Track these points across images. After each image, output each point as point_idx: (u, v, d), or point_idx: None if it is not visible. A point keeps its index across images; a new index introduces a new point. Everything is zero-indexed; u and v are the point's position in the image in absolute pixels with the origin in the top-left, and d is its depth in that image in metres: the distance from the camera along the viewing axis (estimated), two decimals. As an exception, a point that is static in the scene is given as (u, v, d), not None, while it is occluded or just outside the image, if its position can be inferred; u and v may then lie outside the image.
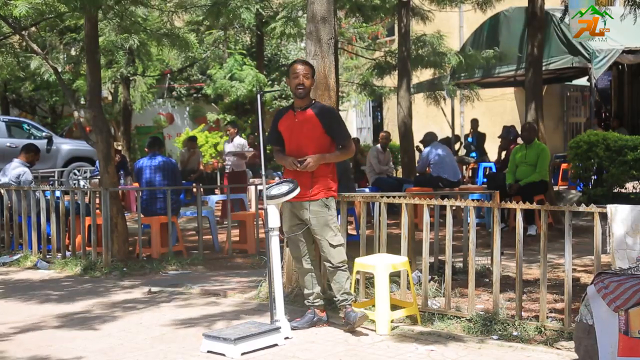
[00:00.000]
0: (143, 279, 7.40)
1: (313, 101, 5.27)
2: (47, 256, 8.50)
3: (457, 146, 16.82)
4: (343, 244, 5.18)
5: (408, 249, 5.60)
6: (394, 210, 8.70)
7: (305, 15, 7.83)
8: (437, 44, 13.26)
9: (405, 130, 11.79)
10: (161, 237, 8.42)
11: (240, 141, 12.76)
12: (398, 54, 12.14)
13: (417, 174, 11.84)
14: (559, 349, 4.53)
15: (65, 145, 16.43)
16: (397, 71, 12.44)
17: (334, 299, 5.17)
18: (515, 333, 4.83)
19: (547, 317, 4.95)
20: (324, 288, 5.80)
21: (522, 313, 5.06)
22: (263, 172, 5.08)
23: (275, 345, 4.77)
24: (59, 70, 10.11)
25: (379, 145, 12.70)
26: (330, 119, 5.18)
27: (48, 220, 8.53)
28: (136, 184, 9.85)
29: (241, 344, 4.60)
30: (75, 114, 9.22)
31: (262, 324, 4.94)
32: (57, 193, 8.53)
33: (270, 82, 20.14)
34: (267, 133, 5.52)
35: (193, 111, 23.48)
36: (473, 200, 6.89)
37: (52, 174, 15.34)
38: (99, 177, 9.33)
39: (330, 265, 5.10)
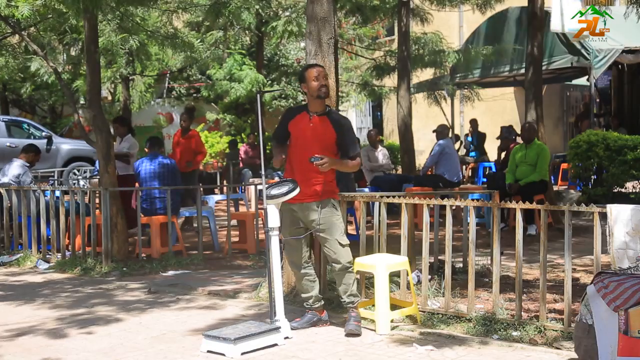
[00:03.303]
0: (143, 278, 7.39)
1: (328, 108, 5.24)
2: (47, 256, 8.49)
3: (457, 146, 16.84)
4: (349, 244, 5.16)
5: (408, 249, 5.60)
6: (394, 210, 8.70)
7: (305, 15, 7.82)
8: (436, 42, 13.28)
9: (405, 130, 11.79)
10: (161, 237, 8.42)
11: (125, 143, 10.17)
12: (398, 53, 12.14)
13: (421, 170, 11.82)
14: (559, 349, 4.53)
15: (65, 145, 16.43)
16: (396, 71, 12.45)
17: (340, 299, 5.17)
18: (515, 333, 4.83)
19: (547, 317, 4.96)
20: (324, 288, 5.80)
21: (522, 313, 5.06)
22: (263, 172, 5.08)
23: (275, 345, 4.77)
24: (59, 70, 10.10)
25: (368, 144, 12.79)
26: (346, 131, 5.16)
27: (48, 220, 8.52)
28: (136, 184, 9.84)
29: (241, 343, 4.60)
30: (75, 116, 9.23)
31: (262, 323, 4.94)
32: (57, 193, 8.53)
33: (269, 82, 20.15)
34: (267, 131, 5.51)
35: (192, 111, 23.43)
36: (473, 200, 6.89)
37: (52, 174, 15.34)
38: (98, 177, 9.32)
39: (340, 265, 5.06)
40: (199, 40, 10.98)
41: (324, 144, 5.10)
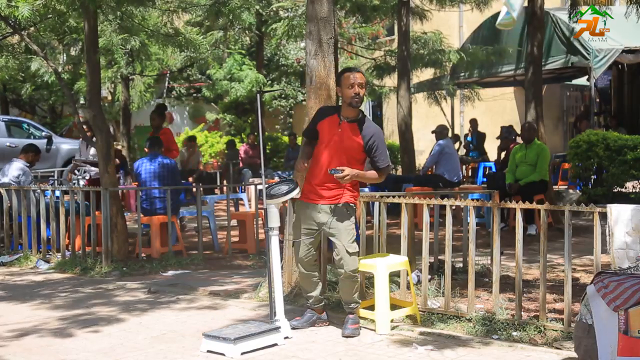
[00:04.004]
0: (143, 278, 7.39)
1: (360, 114, 5.10)
2: (47, 256, 8.49)
3: (457, 146, 16.85)
4: (357, 253, 5.10)
5: (408, 249, 5.60)
6: (393, 210, 8.70)
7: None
8: (436, 41, 13.29)
9: (406, 130, 11.78)
10: (161, 237, 8.42)
11: (93, 150, 10.76)
12: (398, 53, 12.13)
13: (421, 170, 11.77)
14: (559, 349, 4.53)
15: (65, 145, 16.43)
16: (396, 71, 12.44)
17: (342, 302, 5.18)
18: (515, 333, 4.83)
19: (547, 317, 4.96)
20: (323, 288, 5.80)
21: (522, 313, 5.06)
22: (263, 172, 5.08)
23: (275, 344, 4.77)
24: (59, 70, 10.11)
25: None
26: (375, 141, 5.00)
27: (48, 220, 8.52)
28: (136, 184, 9.84)
29: (241, 343, 4.60)
30: (75, 116, 9.24)
31: (262, 323, 4.94)
32: (57, 193, 8.53)
33: (269, 82, 20.15)
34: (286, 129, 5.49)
35: (192, 111, 23.50)
36: (473, 200, 6.89)
37: (52, 174, 15.34)
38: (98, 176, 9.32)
39: (344, 272, 5.02)
40: (201, 37, 10.98)
41: (350, 152, 5.00)
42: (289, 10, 14.32)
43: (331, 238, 5.09)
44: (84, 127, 9.95)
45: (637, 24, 8.82)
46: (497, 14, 14.30)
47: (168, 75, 21.20)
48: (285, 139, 20.49)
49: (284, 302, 5.04)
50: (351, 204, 5.07)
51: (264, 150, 5.36)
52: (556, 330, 4.78)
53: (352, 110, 5.03)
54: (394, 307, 5.22)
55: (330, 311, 5.44)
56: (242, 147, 16.73)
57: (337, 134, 5.01)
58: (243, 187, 12.54)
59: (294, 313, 5.37)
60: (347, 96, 4.98)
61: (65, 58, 14.87)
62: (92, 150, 10.92)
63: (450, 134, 16.14)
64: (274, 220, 4.98)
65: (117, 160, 10.05)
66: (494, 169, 14.09)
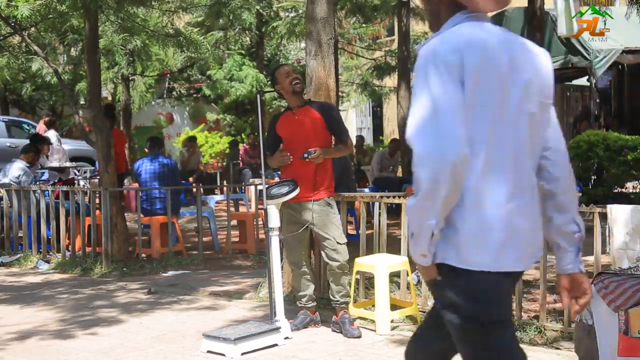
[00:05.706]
0: (143, 279, 7.39)
1: (309, 100, 5.31)
2: (47, 256, 8.49)
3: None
4: (346, 243, 5.15)
5: (408, 249, 5.59)
6: (394, 210, 8.70)
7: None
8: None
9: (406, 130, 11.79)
10: (161, 237, 8.42)
11: (56, 155, 11.14)
12: (398, 53, 12.15)
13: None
14: (559, 349, 4.53)
15: (65, 146, 16.39)
16: (397, 71, 12.46)
17: (332, 299, 5.15)
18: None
19: (547, 318, 4.95)
20: (323, 288, 5.80)
21: (522, 313, 5.06)
22: (263, 172, 5.07)
23: (275, 345, 4.77)
24: (59, 70, 10.11)
25: (387, 151, 12.82)
26: (332, 114, 5.18)
27: (48, 221, 8.52)
28: (136, 184, 9.84)
29: (241, 343, 4.60)
30: (76, 116, 9.24)
31: (262, 323, 4.93)
32: (57, 193, 8.53)
33: (269, 82, 20.12)
34: (266, 134, 5.50)
35: (193, 111, 23.48)
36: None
37: (52, 174, 15.32)
38: (98, 177, 9.32)
39: (338, 264, 5.02)
40: (201, 37, 10.98)
41: (317, 132, 5.06)
42: (290, 10, 14.35)
43: (320, 233, 5.05)
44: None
45: (637, 24, 8.82)
46: (497, 14, 14.34)
47: (168, 75, 21.18)
48: (286, 139, 20.45)
49: (284, 302, 5.04)
50: (330, 197, 5.11)
51: (264, 151, 5.36)
52: (556, 331, 4.77)
53: (298, 98, 5.15)
54: (394, 307, 5.22)
55: (329, 311, 5.43)
56: (242, 147, 16.73)
57: (297, 122, 5.10)
58: (243, 187, 12.55)
59: (294, 313, 5.36)
60: (288, 85, 5.11)
61: (65, 58, 14.85)
62: (55, 156, 11.00)
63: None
64: (274, 221, 4.98)
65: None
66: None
